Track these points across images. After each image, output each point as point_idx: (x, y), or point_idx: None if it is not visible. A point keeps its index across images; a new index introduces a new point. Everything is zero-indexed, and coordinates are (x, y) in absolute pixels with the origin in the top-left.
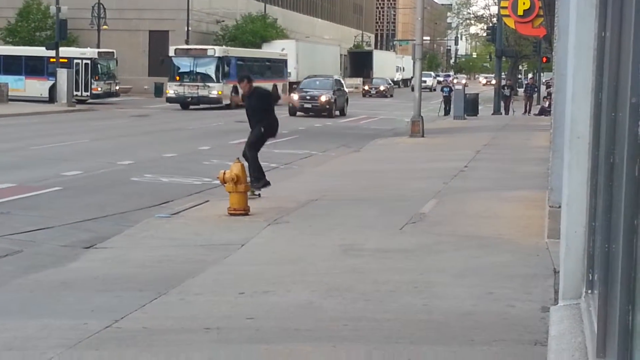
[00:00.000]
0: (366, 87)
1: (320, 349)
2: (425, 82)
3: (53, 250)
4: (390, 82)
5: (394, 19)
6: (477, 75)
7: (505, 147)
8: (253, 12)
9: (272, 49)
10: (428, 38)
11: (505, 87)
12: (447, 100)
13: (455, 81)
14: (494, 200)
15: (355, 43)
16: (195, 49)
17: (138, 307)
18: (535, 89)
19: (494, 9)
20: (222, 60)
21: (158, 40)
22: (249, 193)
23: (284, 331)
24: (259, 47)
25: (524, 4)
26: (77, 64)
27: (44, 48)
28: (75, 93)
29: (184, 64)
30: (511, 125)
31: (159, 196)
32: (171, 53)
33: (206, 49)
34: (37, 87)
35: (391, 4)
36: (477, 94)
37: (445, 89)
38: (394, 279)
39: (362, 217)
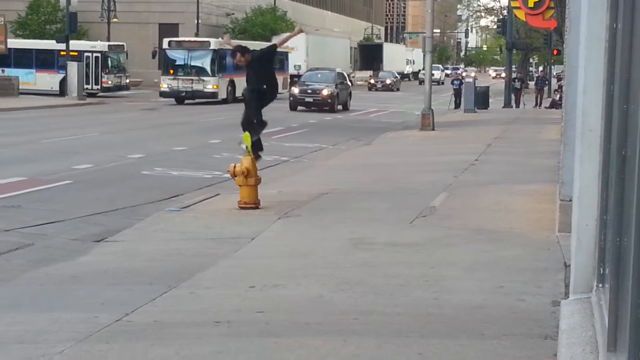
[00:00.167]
0: (372, 81)
1: (330, 343)
2: (433, 75)
3: (63, 243)
4: (397, 75)
5: (404, 11)
6: (487, 68)
7: (516, 140)
8: (263, 5)
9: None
10: (438, 31)
11: (516, 80)
12: (457, 94)
13: (464, 74)
14: (504, 194)
15: (365, 36)
16: (190, 41)
17: (148, 300)
18: (546, 82)
19: (504, 1)
20: (217, 53)
21: (168, 33)
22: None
23: (294, 325)
24: (269, 40)
25: None
26: (88, 57)
27: (54, 41)
28: (85, 86)
29: (178, 57)
30: (522, 119)
31: (169, 190)
32: (164, 45)
33: (201, 41)
34: (48, 80)
35: None
36: (488, 87)
37: (455, 82)
38: (404, 272)
39: (372, 211)
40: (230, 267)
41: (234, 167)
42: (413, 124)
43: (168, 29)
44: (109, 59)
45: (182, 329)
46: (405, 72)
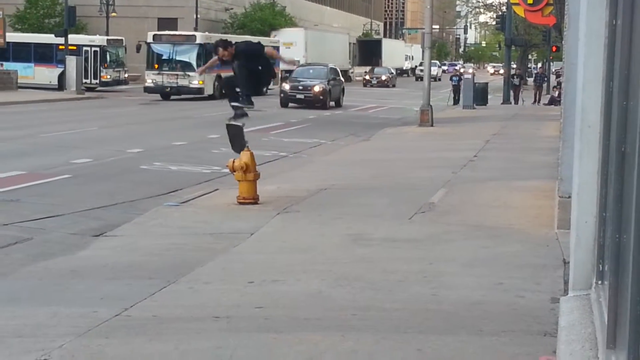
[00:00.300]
0: (367, 77)
1: (329, 339)
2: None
3: (62, 238)
4: (393, 71)
5: (403, 7)
6: (485, 65)
7: (515, 136)
8: (262, 0)
9: (280, 38)
10: (437, 27)
11: (515, 77)
12: (456, 90)
13: (462, 70)
14: (503, 190)
15: (364, 31)
16: (175, 34)
17: (147, 295)
18: (545, 79)
19: None
20: (203, 48)
21: (167, 27)
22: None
23: (293, 320)
24: (268, 35)
25: None
26: (86, 51)
27: (53, 35)
28: (84, 81)
29: (163, 51)
30: (521, 115)
31: (168, 184)
32: (149, 39)
33: (186, 35)
34: (46, 74)
35: None
36: (487, 84)
37: (454, 78)
38: (402, 268)
39: (371, 207)
40: (229, 262)
41: (233, 162)
42: (412, 120)
43: (167, 24)
44: (108, 53)
45: (181, 324)
46: (404, 68)
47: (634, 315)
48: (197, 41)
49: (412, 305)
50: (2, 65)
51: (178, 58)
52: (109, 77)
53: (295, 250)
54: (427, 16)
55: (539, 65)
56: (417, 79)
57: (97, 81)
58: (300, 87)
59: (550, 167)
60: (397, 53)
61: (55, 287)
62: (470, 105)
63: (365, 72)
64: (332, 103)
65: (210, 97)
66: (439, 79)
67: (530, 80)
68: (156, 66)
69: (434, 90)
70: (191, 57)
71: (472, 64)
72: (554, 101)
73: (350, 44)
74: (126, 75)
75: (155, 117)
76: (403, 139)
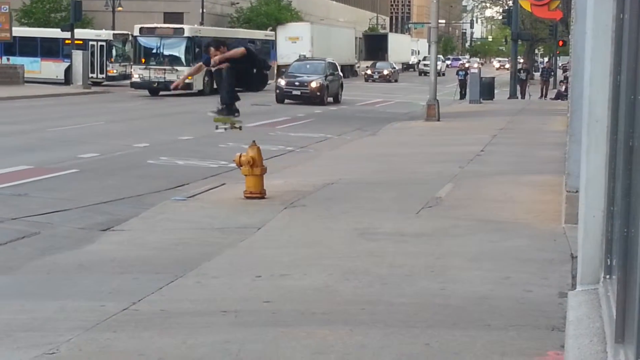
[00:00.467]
0: (369, 72)
1: (337, 333)
2: None
3: (70, 232)
4: (395, 66)
5: (409, 1)
6: (492, 59)
7: (522, 131)
8: None
9: (286, 32)
10: (443, 21)
11: (522, 71)
12: (462, 84)
13: (467, 65)
14: (510, 185)
15: (370, 26)
16: (162, 27)
17: (155, 289)
18: (552, 73)
19: None
20: (192, 41)
21: (173, 22)
22: (225, 126)
23: (300, 314)
24: (274, 29)
25: None
26: (93, 45)
27: (59, 30)
28: (90, 75)
29: (150, 45)
30: (527, 110)
31: (175, 179)
32: (136, 32)
33: (174, 28)
34: (53, 68)
35: None
36: (493, 78)
37: (460, 72)
38: (410, 262)
39: (378, 201)
40: (236, 256)
41: (240, 156)
42: (418, 115)
43: (173, 18)
44: (114, 47)
45: (188, 318)
46: (411, 63)
47: None
48: (186, 34)
49: (420, 299)
50: (8, 59)
51: (166, 52)
52: (115, 71)
53: (303, 244)
54: (433, 10)
55: (546, 59)
56: (420, 74)
57: (104, 76)
58: (297, 83)
59: (557, 162)
60: (403, 47)
61: (63, 281)
62: (476, 100)
63: (367, 66)
64: (330, 99)
65: (200, 93)
66: (443, 74)
67: (537, 74)
68: (143, 60)
69: (439, 85)
70: (179, 51)
71: (477, 59)
72: (561, 96)
73: (356, 38)
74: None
75: (161, 111)
76: (410, 134)
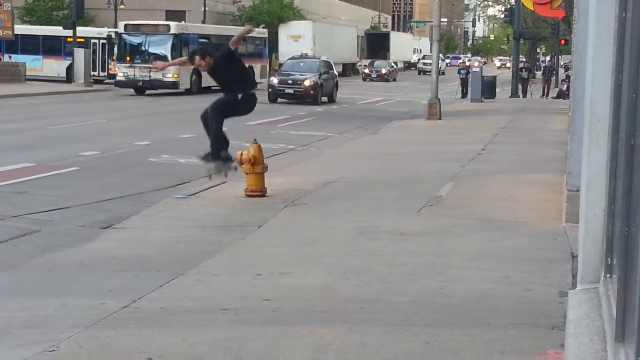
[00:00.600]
0: (366, 71)
1: (336, 331)
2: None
3: (71, 230)
4: (393, 64)
5: (411, 0)
6: (493, 58)
7: (523, 130)
8: None
9: (288, 30)
10: (445, 20)
11: (523, 70)
12: (464, 83)
13: (467, 63)
14: (511, 184)
15: (372, 24)
16: (148, 24)
17: (156, 287)
18: (554, 72)
19: None
20: (178, 38)
21: (175, 20)
22: (213, 174)
23: (300, 313)
24: (275, 28)
25: None
26: (94, 43)
27: (61, 27)
28: (92, 73)
29: (136, 42)
30: (529, 108)
31: (176, 177)
32: (120, 29)
33: (160, 25)
34: (55, 66)
35: None
36: (495, 77)
37: (462, 71)
38: (410, 261)
39: (379, 200)
40: (237, 254)
41: (241, 154)
42: (420, 113)
43: (175, 16)
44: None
45: (189, 316)
46: (412, 61)
47: None
48: (172, 31)
49: (420, 298)
50: (10, 57)
51: (151, 50)
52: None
53: (303, 242)
54: (435, 9)
55: (548, 58)
56: (419, 73)
57: (105, 73)
58: (290, 82)
59: (558, 161)
60: (405, 46)
61: (63, 279)
62: (478, 99)
63: (365, 65)
64: (325, 98)
65: (187, 92)
66: (443, 73)
67: (539, 73)
68: (128, 58)
69: (440, 83)
70: (165, 48)
71: (479, 58)
72: (563, 94)
73: (358, 36)
74: None
75: (162, 109)
76: (411, 132)
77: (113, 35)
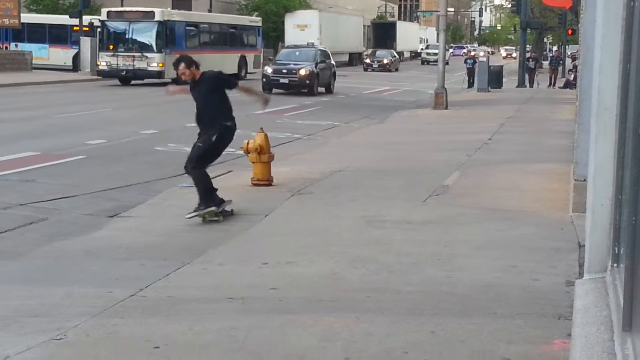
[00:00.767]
0: (367, 60)
1: (343, 320)
2: (436, 54)
3: (77, 218)
4: (396, 54)
5: None
6: (500, 48)
7: (530, 120)
8: None
9: (294, 20)
10: (452, 9)
11: (530, 60)
12: (470, 73)
13: (472, 53)
14: (518, 173)
15: (379, 14)
16: (131, 11)
17: (162, 276)
18: (561, 62)
19: None
20: (164, 25)
21: (181, 8)
22: (199, 218)
23: (307, 302)
24: (282, 17)
25: None
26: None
27: (67, 16)
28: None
29: (118, 30)
30: (536, 98)
31: (182, 165)
32: (103, 16)
33: (144, 12)
34: (61, 55)
35: None
36: (502, 67)
37: (469, 60)
38: (417, 250)
39: (385, 189)
40: (243, 243)
41: (247, 143)
42: (426, 103)
43: (181, 4)
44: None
45: (195, 304)
46: (419, 51)
47: None
48: (156, 18)
49: (426, 287)
50: (17, 46)
51: (135, 37)
52: None
53: (309, 232)
54: None
55: (555, 48)
56: (423, 63)
57: None
58: (285, 71)
59: (565, 151)
60: (411, 36)
61: (70, 267)
62: (484, 88)
63: (366, 54)
64: (322, 89)
65: (174, 82)
66: (447, 63)
67: (546, 63)
68: (111, 47)
69: (446, 73)
70: (149, 36)
71: (485, 47)
72: (570, 84)
73: (364, 26)
74: None
75: (167, 98)
76: (417, 122)
77: (95, 23)
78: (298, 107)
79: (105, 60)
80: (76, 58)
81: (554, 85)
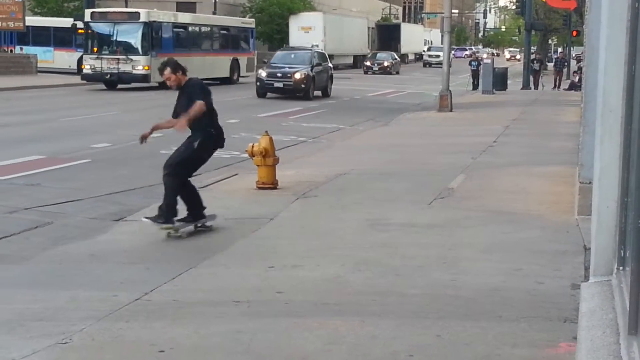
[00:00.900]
0: (367, 63)
1: (349, 323)
2: (438, 56)
3: (82, 222)
4: (396, 57)
5: None
6: (504, 50)
7: (535, 122)
8: None
9: (298, 22)
10: (456, 11)
11: (535, 62)
12: (475, 75)
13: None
14: (523, 176)
15: (383, 16)
16: (116, 12)
17: (167, 279)
18: (565, 64)
19: None
20: (149, 27)
21: (186, 11)
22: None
23: (313, 305)
24: (286, 19)
25: None
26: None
27: (72, 19)
28: None
29: (102, 32)
30: (540, 100)
31: None
32: (87, 17)
33: (128, 12)
34: (66, 58)
35: None
36: (506, 69)
37: (473, 63)
38: (422, 253)
39: (390, 192)
40: (248, 246)
41: (252, 146)
42: (431, 105)
43: (185, 7)
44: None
45: (201, 308)
46: (422, 53)
47: None
48: (141, 19)
49: (432, 290)
50: (22, 49)
51: (119, 39)
52: None
53: (315, 235)
54: (446, 0)
55: (559, 50)
56: (424, 65)
57: None
58: (279, 74)
59: (570, 153)
60: (416, 38)
61: (75, 271)
62: (489, 91)
63: (366, 57)
64: (319, 93)
65: (162, 86)
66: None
67: (550, 65)
68: (95, 50)
69: (451, 75)
70: (135, 37)
71: (488, 49)
72: (574, 86)
73: (369, 28)
74: None
75: (173, 100)
76: (422, 124)
77: (79, 25)
78: (303, 110)
79: (89, 64)
80: (81, 61)
81: (558, 87)
